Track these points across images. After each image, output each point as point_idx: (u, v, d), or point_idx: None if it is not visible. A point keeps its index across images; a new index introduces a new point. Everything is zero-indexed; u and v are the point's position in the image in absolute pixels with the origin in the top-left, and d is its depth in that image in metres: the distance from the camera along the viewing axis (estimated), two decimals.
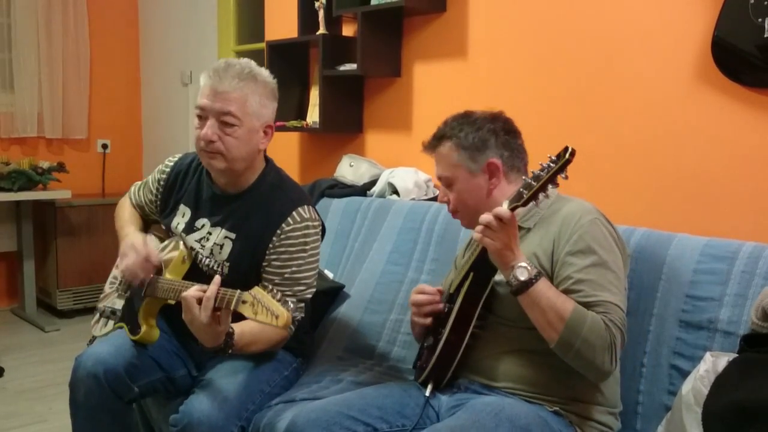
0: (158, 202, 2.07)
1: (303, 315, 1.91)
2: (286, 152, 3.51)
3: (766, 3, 1.82)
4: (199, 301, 1.62)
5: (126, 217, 2.11)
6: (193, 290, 1.65)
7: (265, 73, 1.87)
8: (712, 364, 1.50)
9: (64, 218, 4.35)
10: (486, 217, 1.49)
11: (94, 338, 2.02)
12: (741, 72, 1.93)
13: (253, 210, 1.90)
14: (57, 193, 4.19)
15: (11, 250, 4.45)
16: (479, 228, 1.50)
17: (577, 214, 1.60)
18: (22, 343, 3.95)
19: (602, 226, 1.59)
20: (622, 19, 2.21)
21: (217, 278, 1.64)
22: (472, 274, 1.64)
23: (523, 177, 1.54)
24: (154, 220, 2.14)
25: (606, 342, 1.46)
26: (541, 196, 1.47)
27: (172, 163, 2.07)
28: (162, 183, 2.06)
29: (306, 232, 1.88)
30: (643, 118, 2.17)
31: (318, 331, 2.36)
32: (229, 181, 1.93)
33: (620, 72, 2.22)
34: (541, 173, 1.46)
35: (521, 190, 1.48)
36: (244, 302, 1.56)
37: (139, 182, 2.16)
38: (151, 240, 2.09)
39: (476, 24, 2.64)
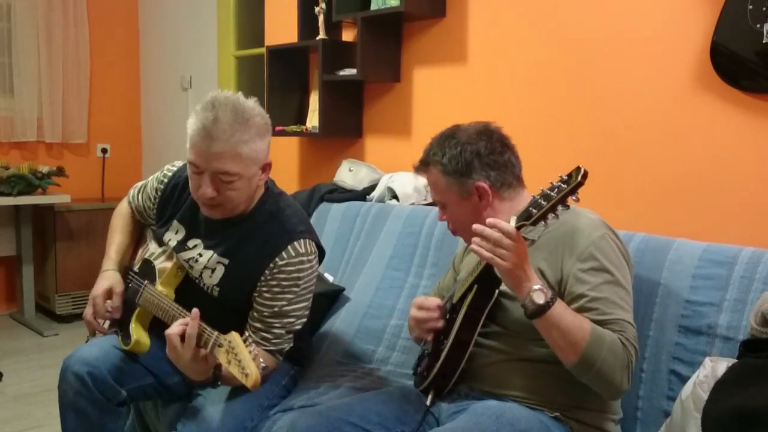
0: (155, 210, 2.03)
1: (291, 344, 1.88)
2: (286, 157, 3.52)
3: (764, 9, 1.82)
4: (182, 337, 1.60)
5: (116, 236, 2.07)
6: (175, 326, 1.63)
7: (254, 109, 1.76)
8: (711, 369, 1.49)
9: (63, 223, 4.35)
10: (493, 234, 1.42)
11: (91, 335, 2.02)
12: (740, 77, 1.93)
13: (248, 238, 1.85)
14: (56, 197, 4.20)
15: (10, 255, 4.44)
16: (487, 246, 1.43)
17: (587, 229, 1.57)
18: (21, 347, 3.94)
19: (611, 241, 1.58)
20: (621, 24, 2.21)
21: (195, 311, 1.62)
22: (476, 286, 1.61)
23: (532, 194, 1.45)
24: (150, 223, 2.12)
25: (624, 362, 1.45)
26: (550, 216, 1.41)
27: (170, 173, 2.01)
28: (159, 193, 2.00)
29: (300, 267, 1.82)
30: (643, 123, 2.17)
31: (317, 335, 2.36)
32: None
33: (619, 77, 2.22)
34: (551, 193, 1.40)
35: (530, 208, 1.42)
36: (219, 346, 1.55)
37: (140, 184, 2.11)
38: (150, 243, 2.08)
39: (475, 29, 2.65)
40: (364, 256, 2.52)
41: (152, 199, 2.03)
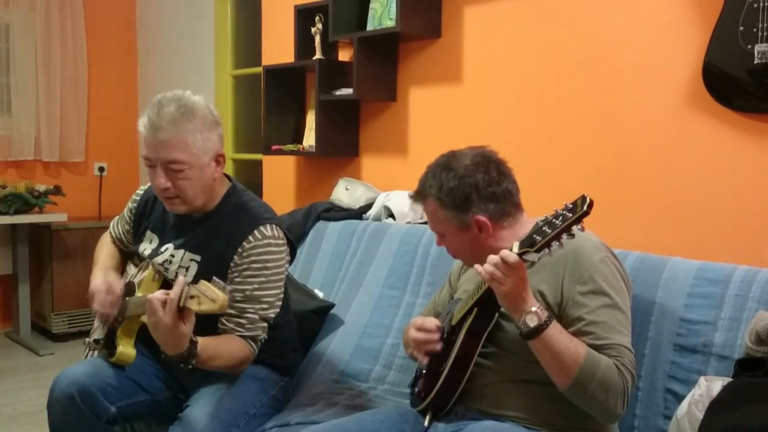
0: (132, 232, 2.12)
1: (266, 336, 1.90)
2: (283, 176, 3.53)
3: (755, 30, 1.84)
4: (164, 304, 1.61)
5: (101, 258, 2.13)
6: (158, 293, 1.64)
7: (199, 103, 1.84)
8: (706, 388, 1.50)
9: (60, 241, 4.35)
10: (494, 258, 1.44)
11: None
12: (732, 97, 1.95)
13: (216, 232, 1.92)
14: (53, 216, 4.20)
15: (7, 273, 4.44)
16: (489, 269, 1.45)
17: (587, 251, 1.57)
18: (16, 367, 3.93)
19: (611, 264, 1.58)
20: (615, 45, 2.23)
21: (181, 279, 1.64)
22: (476, 309, 1.61)
23: (536, 221, 1.44)
24: (133, 251, 2.16)
25: (619, 387, 1.45)
26: (554, 244, 1.39)
27: (142, 192, 2.12)
28: (133, 212, 2.11)
29: (268, 249, 1.88)
30: (637, 142, 2.19)
31: (313, 353, 2.36)
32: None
33: (613, 97, 2.24)
34: (556, 221, 1.38)
35: (534, 235, 1.41)
36: (191, 297, 1.58)
37: (118, 216, 2.20)
38: (129, 267, 2.11)
39: (470, 50, 2.67)
40: (361, 274, 2.52)
41: (128, 221, 2.13)
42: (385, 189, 2.90)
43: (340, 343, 2.34)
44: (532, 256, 1.42)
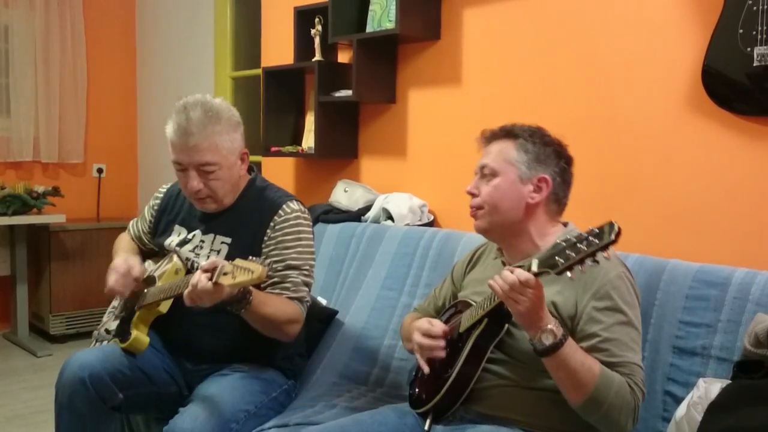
0: (153, 227, 2.14)
1: (309, 299, 1.97)
2: (282, 177, 3.52)
3: (754, 33, 1.85)
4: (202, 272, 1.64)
5: (122, 245, 2.19)
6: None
7: (222, 105, 1.94)
8: (705, 390, 1.50)
9: (58, 242, 4.34)
10: (510, 277, 1.40)
11: None
12: (731, 100, 1.95)
13: (244, 215, 2.00)
14: (51, 217, 4.20)
15: (5, 275, 4.43)
16: (505, 287, 1.42)
17: (604, 266, 1.53)
18: (14, 368, 3.92)
19: (626, 280, 1.57)
20: (614, 48, 2.23)
21: (213, 258, 1.70)
22: (486, 320, 1.59)
23: (557, 240, 1.40)
24: (150, 250, 2.18)
25: (630, 405, 1.46)
26: (576, 268, 1.34)
27: (164, 190, 2.19)
28: (156, 208, 2.15)
29: (299, 221, 1.97)
30: (636, 145, 2.19)
31: (313, 356, 2.35)
32: None
33: (612, 100, 2.24)
34: (580, 245, 1.33)
35: (556, 257, 1.36)
36: (225, 274, 1.60)
37: (136, 218, 2.25)
38: (148, 264, 2.11)
39: (470, 52, 2.67)
40: (360, 277, 2.52)
41: (149, 220, 2.16)
42: (384, 191, 2.89)
43: (340, 344, 2.34)
44: (550, 277, 1.39)
